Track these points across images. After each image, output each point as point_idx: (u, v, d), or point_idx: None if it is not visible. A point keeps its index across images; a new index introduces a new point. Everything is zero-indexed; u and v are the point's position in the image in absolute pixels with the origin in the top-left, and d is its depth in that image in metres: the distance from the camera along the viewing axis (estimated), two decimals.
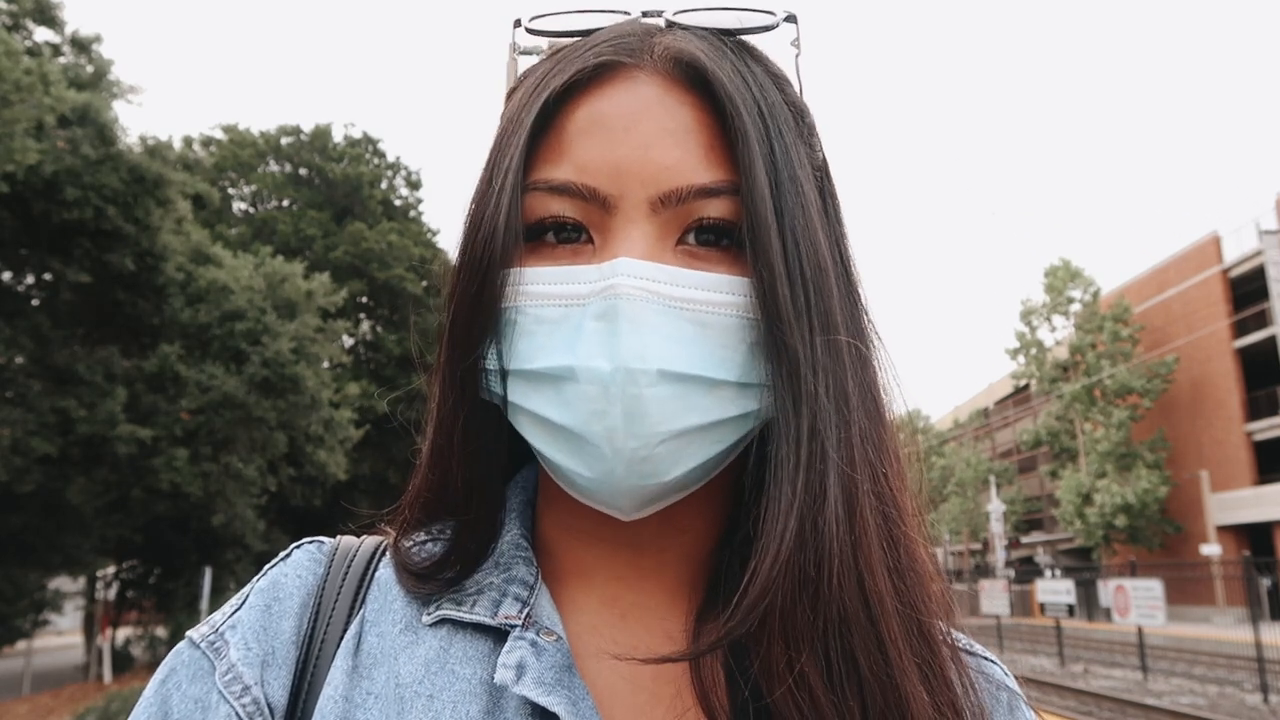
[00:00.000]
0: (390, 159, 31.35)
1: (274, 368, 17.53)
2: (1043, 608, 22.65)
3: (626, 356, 0.49)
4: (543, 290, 0.53)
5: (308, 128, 30.09)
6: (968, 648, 0.61)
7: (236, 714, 0.53)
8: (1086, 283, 36.50)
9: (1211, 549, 27.92)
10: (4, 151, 12.07)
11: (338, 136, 30.47)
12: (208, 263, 17.83)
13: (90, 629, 21.65)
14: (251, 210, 29.47)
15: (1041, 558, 41.86)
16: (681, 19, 0.57)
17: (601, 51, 0.55)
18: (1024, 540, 47.80)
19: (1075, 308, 36.82)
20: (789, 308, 0.51)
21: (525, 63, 0.62)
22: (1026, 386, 43.01)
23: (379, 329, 28.89)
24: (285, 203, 29.32)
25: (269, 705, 0.54)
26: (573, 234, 0.54)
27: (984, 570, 39.59)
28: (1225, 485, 30.62)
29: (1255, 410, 30.39)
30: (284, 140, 29.74)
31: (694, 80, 0.54)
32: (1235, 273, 31.09)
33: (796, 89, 0.59)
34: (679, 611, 0.58)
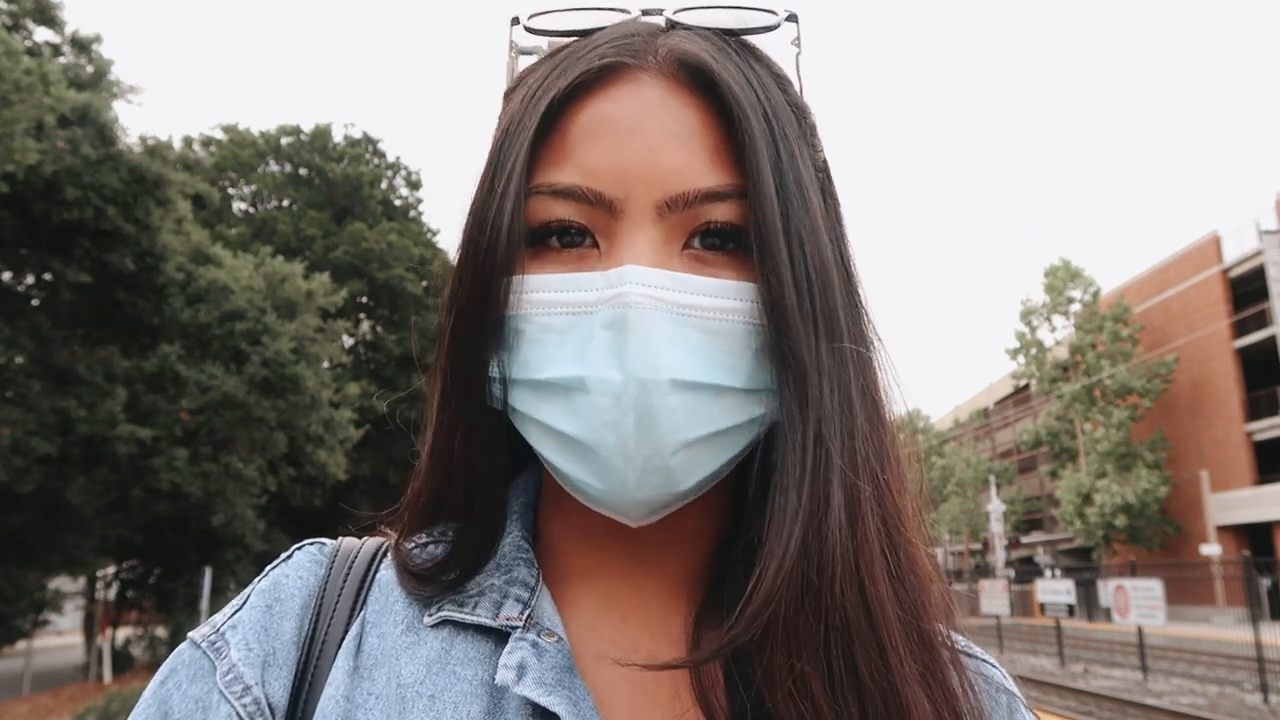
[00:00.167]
0: (390, 159, 31.36)
1: (274, 368, 17.53)
2: (1043, 608, 22.65)
3: (638, 366, 0.49)
4: (549, 298, 0.52)
5: (308, 128, 30.10)
6: (966, 650, 0.61)
7: (237, 714, 0.53)
8: (1086, 283, 36.51)
9: (1211, 549, 27.92)
10: (4, 151, 12.08)
11: (338, 136, 30.48)
12: (208, 263, 17.83)
13: (90, 629, 21.65)
14: (251, 210, 29.47)
15: (1041, 558, 41.86)
16: (682, 18, 0.57)
17: (605, 53, 0.54)
18: (1024, 540, 47.80)
19: (1075, 308, 36.83)
20: (796, 315, 0.50)
21: (524, 62, 0.62)
22: (1026, 386, 43.01)
23: (379, 329, 28.89)
24: (285, 203, 29.32)
25: (270, 705, 0.54)
26: (577, 238, 0.53)
27: (984, 570, 39.61)
28: (1225, 485, 30.62)
29: (1255, 410, 30.39)
30: (284, 140, 29.74)
31: (699, 82, 0.53)
32: (1235, 273, 31.09)
33: (797, 88, 0.59)
34: (679, 612, 0.58)
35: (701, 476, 0.53)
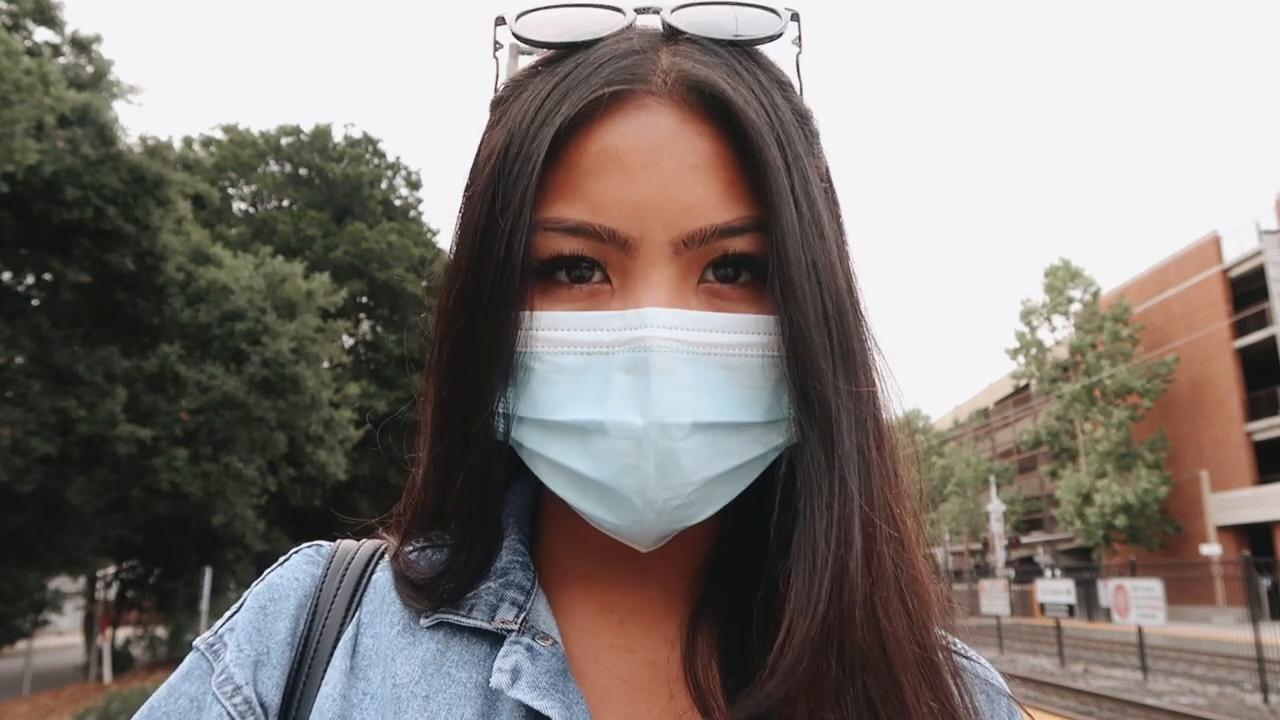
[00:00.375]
0: (390, 159, 31.39)
1: (274, 368, 17.53)
2: (1043, 608, 22.65)
3: (660, 411, 0.48)
4: (562, 336, 0.51)
5: (308, 128, 30.13)
6: (963, 653, 0.61)
7: (228, 713, 0.53)
8: (1086, 283, 36.48)
9: (1211, 549, 27.91)
10: (4, 151, 12.08)
11: (338, 136, 30.50)
12: (208, 263, 17.83)
13: (90, 629, 21.64)
14: (251, 210, 29.48)
15: (1041, 558, 41.84)
16: (681, 20, 0.54)
17: (610, 77, 0.51)
18: (1024, 540, 47.78)
19: (1075, 308, 36.80)
20: (821, 353, 0.50)
21: (524, 62, 0.60)
22: (1026, 386, 42.99)
23: (379, 329, 28.90)
24: (285, 203, 29.33)
25: (262, 704, 0.54)
26: (586, 272, 0.52)
27: (984, 570, 39.60)
28: (1225, 485, 30.61)
29: (1255, 410, 30.38)
30: (284, 140, 29.75)
31: (711, 108, 0.51)
32: (1235, 273, 31.07)
33: (798, 90, 0.57)
34: (676, 615, 0.58)
35: (718, 507, 0.53)
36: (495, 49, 0.59)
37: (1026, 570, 37.44)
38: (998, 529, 37.50)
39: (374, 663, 0.55)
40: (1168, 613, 17.42)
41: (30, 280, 16.12)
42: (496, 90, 0.59)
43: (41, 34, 16.23)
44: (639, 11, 0.56)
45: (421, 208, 32.01)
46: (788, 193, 0.50)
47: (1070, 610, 20.81)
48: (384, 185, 30.64)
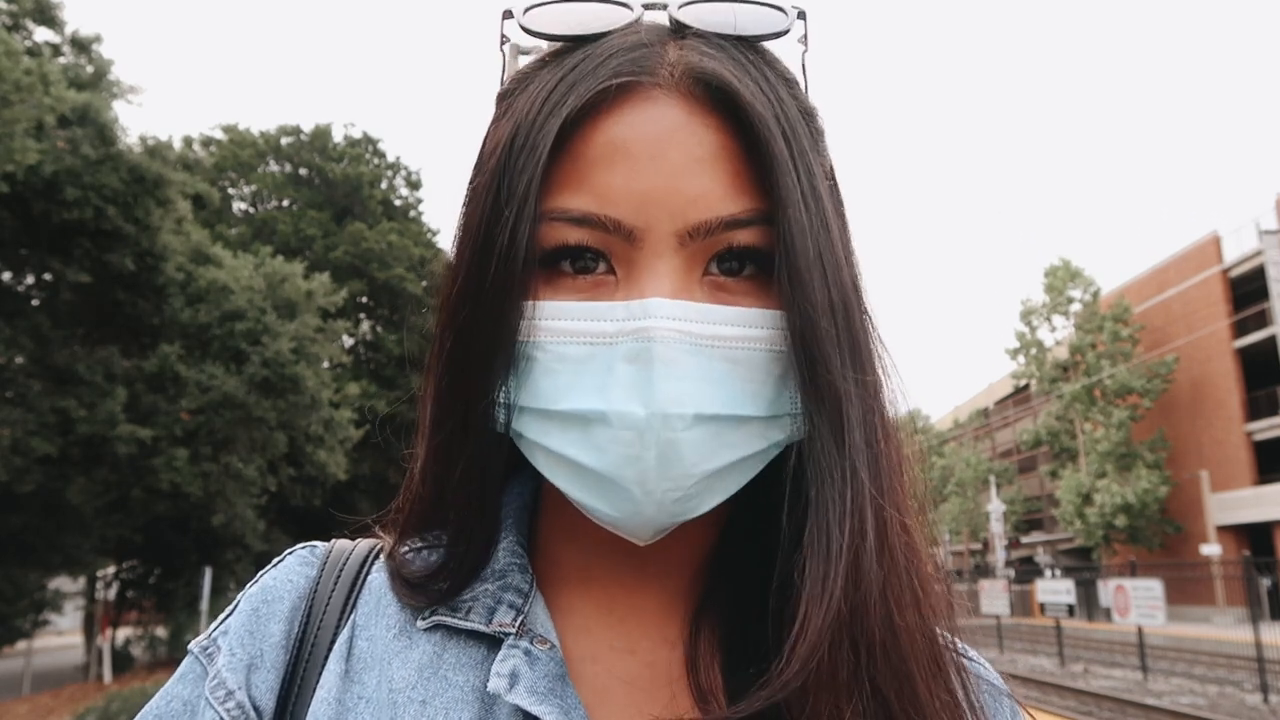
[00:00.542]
0: (390, 159, 31.38)
1: (274, 368, 17.53)
2: (1043, 608, 22.65)
3: (662, 402, 0.48)
4: (566, 326, 0.51)
5: (308, 128, 30.11)
6: (964, 653, 0.60)
7: (220, 718, 0.53)
8: (1086, 283, 36.48)
9: (1211, 549, 27.91)
10: (4, 151, 12.07)
11: (338, 136, 30.49)
12: (208, 263, 17.83)
13: (90, 629, 21.64)
14: (251, 210, 29.48)
15: (1041, 558, 41.84)
16: (688, 16, 0.54)
17: (617, 68, 0.51)
18: (1024, 540, 47.78)
19: (1075, 308, 36.79)
20: (830, 346, 0.50)
21: (524, 62, 0.60)
22: (1026, 386, 42.98)
23: (379, 329, 28.89)
24: (285, 203, 29.32)
25: (255, 708, 0.54)
26: (591, 263, 0.52)
27: (984, 570, 39.57)
28: (1225, 485, 30.60)
29: (1255, 410, 30.38)
30: (284, 140, 29.74)
31: (717, 101, 0.51)
32: (1235, 273, 31.07)
33: (803, 88, 0.57)
34: (677, 615, 0.58)
35: (718, 501, 0.53)
36: (502, 43, 0.59)
37: (1026, 570, 37.44)
38: (998, 529, 37.49)
39: (369, 666, 0.55)
40: (1168, 613, 17.42)
41: (30, 280, 16.12)
42: (502, 84, 0.59)
43: (41, 34, 16.25)
44: (646, 7, 0.56)
45: (421, 208, 32.03)
46: (795, 185, 0.50)
47: (1070, 610, 20.80)
48: (384, 185, 30.64)
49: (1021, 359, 39.37)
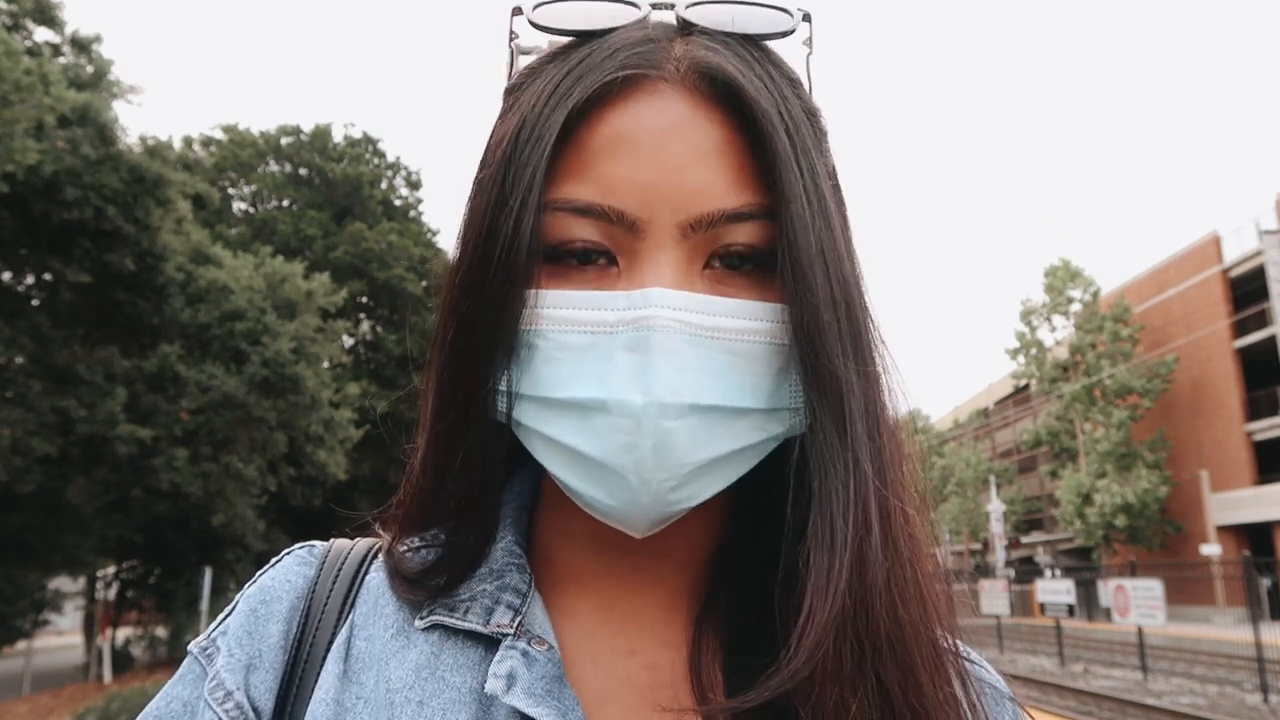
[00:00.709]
0: (390, 159, 31.36)
1: (274, 368, 17.53)
2: (1043, 608, 22.65)
3: (660, 390, 0.48)
4: (567, 315, 0.51)
5: (308, 128, 30.10)
6: (966, 655, 0.60)
7: (219, 719, 0.53)
8: (1086, 283, 36.48)
9: (1211, 549, 27.91)
10: (4, 151, 12.07)
11: (338, 136, 30.48)
12: (208, 263, 17.83)
13: (90, 629, 21.65)
14: (251, 210, 29.47)
15: (1041, 558, 41.84)
16: (695, 16, 0.55)
17: (624, 62, 0.52)
18: (1024, 540, 47.78)
19: (1075, 308, 36.80)
20: (832, 338, 0.50)
21: (525, 62, 0.60)
22: (1026, 386, 42.98)
23: (379, 329, 28.88)
24: (285, 203, 29.32)
25: (254, 709, 0.54)
26: (595, 255, 0.52)
27: (984, 570, 39.54)
28: (1225, 485, 30.61)
29: (1255, 410, 30.38)
30: (284, 140, 29.74)
31: (722, 95, 0.52)
32: (1235, 273, 31.07)
33: (807, 90, 0.58)
34: (678, 616, 0.58)
35: (713, 492, 0.53)
36: (511, 38, 0.59)
37: (1026, 570, 37.44)
38: (998, 529, 37.49)
39: (367, 666, 0.55)
40: (1168, 613, 17.42)
41: (30, 280, 16.12)
42: (509, 80, 0.60)
43: (41, 34, 16.24)
44: (654, 7, 0.56)
45: (421, 208, 31.97)
46: (797, 180, 0.51)
47: (1070, 610, 20.81)
48: (384, 185, 30.63)
49: (1021, 359, 39.37)
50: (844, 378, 0.50)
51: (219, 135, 29.03)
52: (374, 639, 0.56)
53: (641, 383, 0.49)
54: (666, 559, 0.59)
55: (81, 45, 16.78)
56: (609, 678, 0.55)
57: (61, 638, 33.35)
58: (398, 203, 30.95)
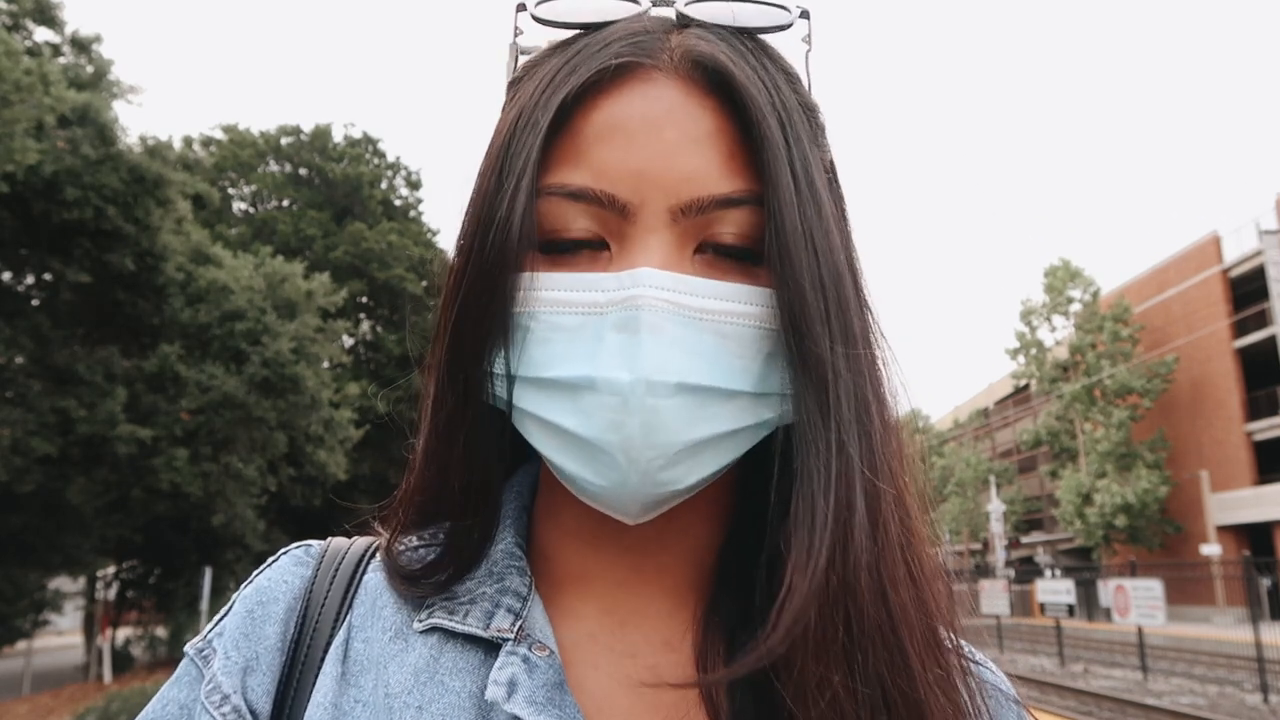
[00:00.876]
0: (390, 159, 31.37)
1: (274, 368, 17.53)
2: (1043, 608, 22.65)
3: (647, 368, 0.49)
4: (559, 297, 0.52)
5: (308, 128, 30.11)
6: (970, 655, 0.60)
7: None
8: (1086, 283, 36.49)
9: (1211, 549, 27.91)
10: (4, 151, 12.07)
11: (338, 136, 30.49)
12: (208, 263, 17.83)
13: (90, 629, 21.65)
14: (251, 210, 29.48)
15: (1041, 558, 41.85)
16: (693, 13, 0.56)
17: (619, 51, 0.53)
18: (1024, 540, 47.79)
19: (1075, 308, 36.81)
20: (816, 320, 0.50)
21: (524, 61, 0.60)
22: (1026, 386, 43.00)
23: (379, 329, 28.89)
24: (285, 203, 29.32)
25: (252, 712, 0.54)
26: (587, 240, 0.53)
27: (984, 570, 39.54)
28: (1225, 485, 30.61)
29: (1255, 410, 30.38)
30: (284, 140, 29.74)
31: (714, 83, 0.53)
32: (1235, 273, 31.07)
33: (806, 87, 0.58)
34: (680, 618, 0.58)
35: (703, 476, 0.52)
36: (516, 34, 0.60)
37: (1026, 570, 37.44)
38: (998, 529, 37.50)
39: (366, 669, 0.54)
40: (1168, 613, 17.42)
41: (30, 280, 16.12)
42: (512, 74, 0.61)
43: (41, 34, 16.25)
44: (654, 3, 0.57)
45: (421, 208, 31.93)
46: (786, 166, 0.51)
47: (1070, 610, 20.81)
48: (384, 185, 30.63)
49: (1021, 359, 39.38)
50: (828, 361, 0.50)
51: (219, 135, 29.05)
52: (372, 641, 0.56)
53: (629, 361, 0.49)
54: (668, 558, 0.58)
55: (81, 45, 16.78)
56: (610, 682, 0.55)
57: (61, 638, 33.35)
58: (398, 203, 30.95)
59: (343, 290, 22.56)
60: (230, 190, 28.97)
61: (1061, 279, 36.85)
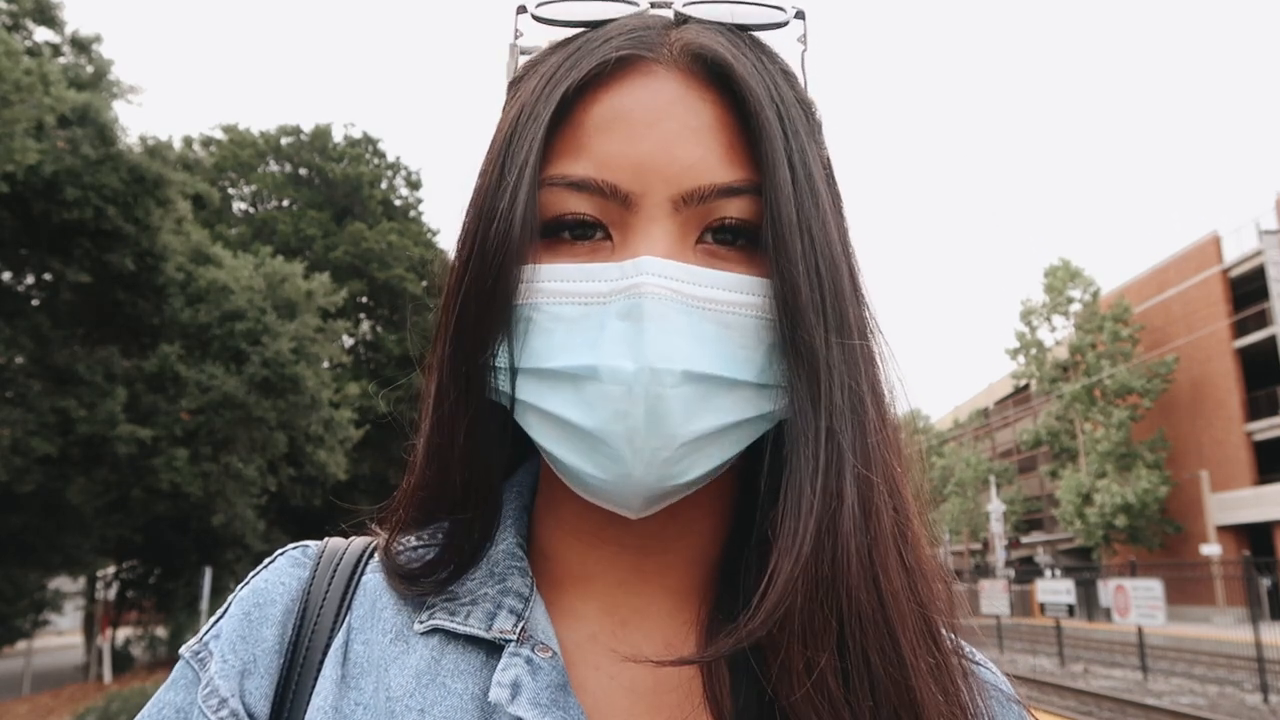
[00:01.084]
0: (390, 159, 31.35)
1: (274, 368, 17.53)
2: (1043, 608, 22.65)
3: (651, 357, 0.48)
4: (561, 287, 0.52)
5: (308, 128, 30.10)
6: (970, 655, 0.60)
7: None
8: (1086, 283, 36.49)
9: (1211, 549, 27.91)
10: (4, 151, 12.07)
11: (338, 136, 30.47)
12: (208, 263, 17.83)
13: (90, 629, 21.65)
14: (251, 210, 29.47)
15: (1041, 558, 41.84)
16: (692, 12, 0.56)
17: (619, 45, 0.54)
18: (1024, 540, 47.77)
19: (1075, 308, 36.80)
20: (809, 310, 0.50)
21: (524, 61, 0.61)
22: (1026, 386, 42.99)
23: (379, 329, 28.88)
24: (285, 203, 29.32)
25: (249, 715, 0.53)
26: (590, 230, 0.53)
27: (984, 570, 39.55)
28: (1225, 485, 30.60)
29: (1255, 410, 30.38)
30: (284, 140, 29.73)
31: (714, 76, 0.53)
32: (1235, 273, 31.07)
33: (803, 86, 0.58)
34: (682, 618, 0.57)
35: (707, 469, 0.52)
36: (516, 36, 0.60)
37: (1026, 570, 37.44)
38: (998, 529, 37.49)
39: (366, 671, 0.54)
40: (1168, 613, 17.42)
41: (30, 280, 16.11)
42: (513, 74, 0.61)
43: (41, 34, 16.24)
44: (653, 5, 0.58)
45: (421, 208, 31.92)
46: (783, 156, 0.51)
47: (1070, 610, 20.81)
48: (384, 185, 30.62)
49: (1021, 359, 39.38)
50: (820, 350, 0.50)
51: (219, 135, 29.04)
52: (372, 643, 0.55)
53: (633, 349, 0.49)
54: (670, 557, 0.58)
55: (81, 45, 16.77)
56: (612, 683, 0.55)
57: (61, 638, 33.35)
58: (398, 203, 30.94)
59: (343, 290, 22.56)
60: (230, 190, 28.96)
61: (1061, 279, 36.84)
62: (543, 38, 0.59)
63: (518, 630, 0.54)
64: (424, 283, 27.07)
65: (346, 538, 0.64)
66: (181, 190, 16.49)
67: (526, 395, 0.53)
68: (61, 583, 21.25)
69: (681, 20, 0.57)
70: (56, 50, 16.44)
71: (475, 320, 0.53)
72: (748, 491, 0.58)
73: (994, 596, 23.41)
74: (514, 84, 0.60)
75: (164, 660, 21.95)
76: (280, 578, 0.60)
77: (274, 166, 29.89)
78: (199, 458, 16.76)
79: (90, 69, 16.63)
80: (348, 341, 27.32)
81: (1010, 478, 46.15)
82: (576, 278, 0.52)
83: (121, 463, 15.48)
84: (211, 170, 26.99)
